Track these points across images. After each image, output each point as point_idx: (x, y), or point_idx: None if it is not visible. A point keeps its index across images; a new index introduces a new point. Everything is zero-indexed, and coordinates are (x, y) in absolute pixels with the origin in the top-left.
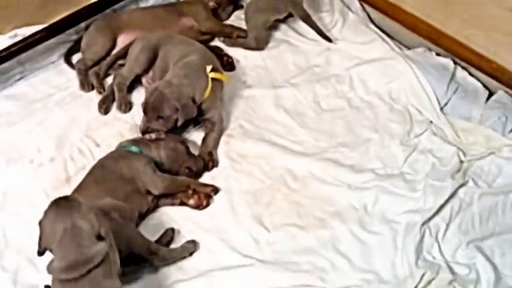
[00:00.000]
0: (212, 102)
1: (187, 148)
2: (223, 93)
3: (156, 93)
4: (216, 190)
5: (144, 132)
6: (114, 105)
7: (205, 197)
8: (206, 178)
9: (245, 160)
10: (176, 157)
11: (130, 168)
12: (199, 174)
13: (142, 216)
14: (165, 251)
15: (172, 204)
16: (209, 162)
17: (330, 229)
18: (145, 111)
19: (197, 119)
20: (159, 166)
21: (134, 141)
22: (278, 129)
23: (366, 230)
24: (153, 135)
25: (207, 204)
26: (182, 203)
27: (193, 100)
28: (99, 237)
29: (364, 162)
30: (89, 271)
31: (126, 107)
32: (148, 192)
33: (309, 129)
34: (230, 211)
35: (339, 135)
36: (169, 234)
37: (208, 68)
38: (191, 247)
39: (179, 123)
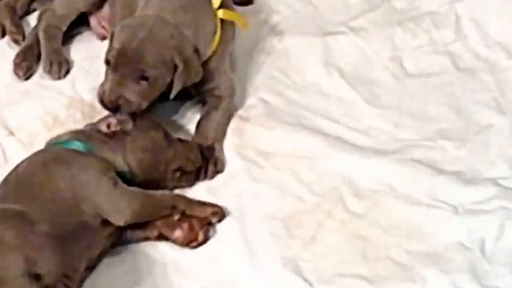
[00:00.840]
0: (220, 61)
1: (166, 136)
2: (234, 47)
3: (142, 35)
4: (220, 214)
5: (110, 104)
6: (41, 65)
7: (200, 226)
8: (202, 192)
9: (270, 161)
10: (154, 158)
11: (73, 181)
12: (197, 177)
13: (93, 266)
14: None
15: (146, 239)
16: (209, 163)
17: (421, 283)
18: (116, 65)
19: (190, 92)
20: (125, 177)
21: (79, 134)
22: (328, 107)
23: (485, 285)
24: (113, 124)
25: (205, 240)
26: (162, 237)
27: (197, 53)
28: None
29: (481, 166)
30: None
31: (61, 67)
32: (106, 223)
33: (382, 107)
34: (244, 250)
35: (437, 118)
36: None
37: (216, 0)
38: None
39: (173, 92)
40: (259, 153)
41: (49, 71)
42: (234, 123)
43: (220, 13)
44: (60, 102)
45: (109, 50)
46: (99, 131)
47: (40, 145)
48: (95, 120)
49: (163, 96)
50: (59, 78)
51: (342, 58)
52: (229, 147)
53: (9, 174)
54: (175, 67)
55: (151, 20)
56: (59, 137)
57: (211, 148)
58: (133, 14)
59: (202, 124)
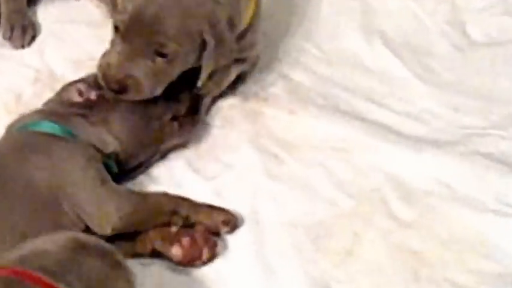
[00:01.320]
0: (254, 35)
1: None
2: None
3: None
4: (232, 223)
5: (116, 83)
6: None
7: (205, 239)
8: (207, 193)
9: (294, 154)
10: (146, 117)
11: (52, 172)
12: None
13: None
14: None
15: (136, 256)
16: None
17: None
18: (126, 34)
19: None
20: (117, 160)
21: (50, 113)
22: (369, 85)
23: None
24: (84, 89)
25: (211, 257)
26: (156, 253)
27: (232, 26)
28: None
29: None
30: None
31: (26, 32)
32: (88, 230)
33: (439, 85)
34: (260, 268)
35: (509, 100)
36: None
37: None
38: None
39: (202, 77)
40: (279, 144)
41: (9, 38)
42: (248, 105)
43: None
44: (24, 77)
45: (118, 12)
46: (70, 104)
47: None
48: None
49: (183, 80)
50: (23, 46)
51: (386, 21)
52: (242, 135)
53: None
54: (204, 43)
55: None
56: (23, 118)
57: (196, 99)
58: None
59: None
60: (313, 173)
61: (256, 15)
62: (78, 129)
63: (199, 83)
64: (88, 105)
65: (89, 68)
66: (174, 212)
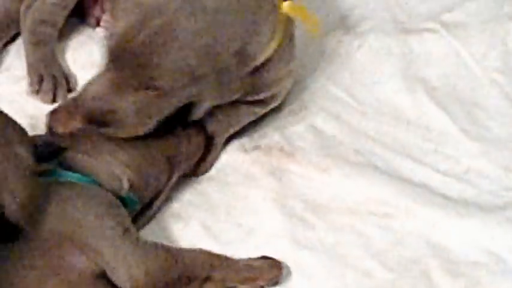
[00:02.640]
0: (276, 67)
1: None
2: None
3: (158, 22)
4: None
5: (95, 116)
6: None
7: None
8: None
9: (324, 218)
10: (154, 156)
11: (67, 226)
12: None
13: None
14: None
15: None
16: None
17: None
18: (113, 60)
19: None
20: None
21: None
22: (410, 140)
23: None
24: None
25: None
26: None
27: (242, 57)
28: None
29: None
30: None
31: (56, 86)
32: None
33: (490, 142)
34: None
35: None
36: None
37: None
38: None
39: (195, 113)
40: (308, 206)
41: (37, 91)
42: (272, 160)
43: (287, 5)
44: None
45: (110, 34)
46: (60, 137)
47: None
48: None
49: (181, 115)
50: (54, 101)
51: (429, 68)
52: (265, 195)
53: None
54: (204, 76)
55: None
56: None
57: (210, 139)
58: None
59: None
60: (346, 240)
61: (282, 47)
62: (81, 166)
63: (191, 117)
64: (76, 135)
65: None
66: (208, 278)
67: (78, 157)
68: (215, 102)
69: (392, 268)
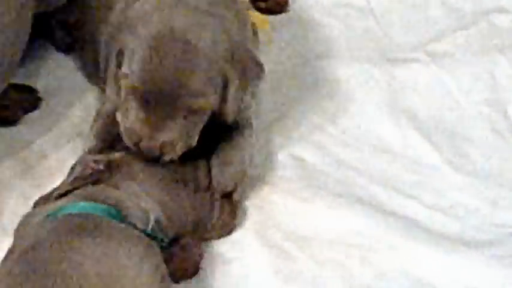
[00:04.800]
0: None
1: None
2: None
3: (178, 51)
4: None
5: (152, 154)
6: None
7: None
8: None
9: (306, 251)
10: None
11: (104, 262)
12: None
13: None
14: None
15: None
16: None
17: None
18: (147, 102)
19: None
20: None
21: (87, 193)
22: (394, 171)
23: None
24: (92, 163)
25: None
26: None
27: (250, 53)
28: None
29: None
30: None
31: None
32: None
33: (476, 175)
34: None
35: None
36: None
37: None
38: None
39: (230, 117)
40: (289, 238)
41: None
42: (254, 190)
43: (255, 15)
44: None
45: (124, 76)
46: (94, 181)
47: None
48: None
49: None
50: None
51: (415, 99)
52: (247, 226)
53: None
54: (227, 79)
55: (186, 18)
56: (47, 205)
57: (229, 196)
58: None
59: (218, 161)
60: (328, 273)
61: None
62: (107, 198)
63: (231, 118)
64: (108, 170)
65: None
66: None
67: (107, 189)
68: (241, 95)
69: None
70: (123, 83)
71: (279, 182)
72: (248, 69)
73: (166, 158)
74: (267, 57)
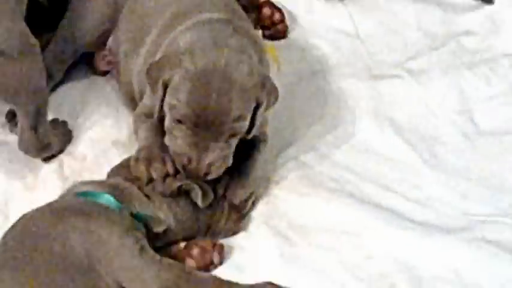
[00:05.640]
0: None
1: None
2: None
3: (219, 84)
4: None
5: (202, 176)
6: None
7: (213, 245)
8: (230, 270)
9: (305, 237)
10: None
11: (89, 236)
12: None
13: None
14: None
15: None
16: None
17: None
18: (195, 127)
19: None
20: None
21: (111, 186)
22: (379, 170)
23: None
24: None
25: (221, 262)
26: None
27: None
28: None
29: None
30: None
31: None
32: None
33: (448, 172)
34: None
35: None
36: None
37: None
38: None
39: (254, 130)
40: (291, 227)
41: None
42: (261, 188)
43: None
44: None
45: (171, 108)
46: (129, 180)
47: (17, 207)
48: (83, 177)
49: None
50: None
51: (397, 109)
52: (256, 218)
53: (10, 230)
54: (259, 104)
55: (223, 55)
56: (77, 185)
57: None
58: (142, 44)
59: (237, 173)
60: (324, 256)
61: None
62: (136, 204)
63: (254, 134)
64: (150, 182)
65: None
66: None
67: (135, 192)
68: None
69: (363, 280)
70: (171, 112)
71: (282, 181)
72: (272, 93)
73: (209, 177)
74: (271, 75)
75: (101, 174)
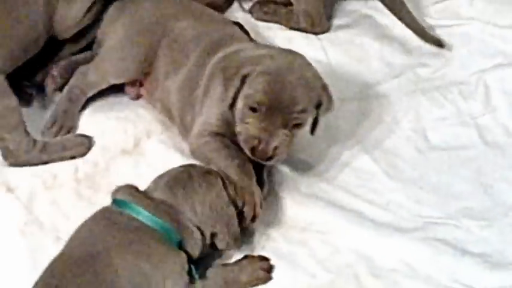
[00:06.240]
0: None
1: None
2: None
3: (292, 79)
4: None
5: (267, 157)
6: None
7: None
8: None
9: (282, 234)
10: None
11: (139, 280)
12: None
13: None
14: None
15: None
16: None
17: None
18: (266, 113)
19: None
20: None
21: (158, 205)
22: (345, 178)
23: None
24: None
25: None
26: None
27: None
28: None
29: (508, 249)
30: None
31: (61, 131)
32: None
33: (403, 181)
34: None
35: (462, 195)
36: None
37: None
38: None
39: (317, 129)
40: (270, 225)
41: (48, 129)
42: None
43: None
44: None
45: (247, 96)
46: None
47: (39, 203)
48: (95, 180)
49: None
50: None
51: (361, 127)
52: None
53: (64, 252)
54: (320, 102)
55: (297, 60)
56: (129, 190)
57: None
58: (178, 71)
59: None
60: (297, 250)
61: None
62: (175, 225)
63: (313, 134)
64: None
65: None
66: None
67: (176, 213)
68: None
69: (331, 271)
70: (247, 100)
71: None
72: (331, 99)
73: (274, 161)
74: None
75: (110, 180)
